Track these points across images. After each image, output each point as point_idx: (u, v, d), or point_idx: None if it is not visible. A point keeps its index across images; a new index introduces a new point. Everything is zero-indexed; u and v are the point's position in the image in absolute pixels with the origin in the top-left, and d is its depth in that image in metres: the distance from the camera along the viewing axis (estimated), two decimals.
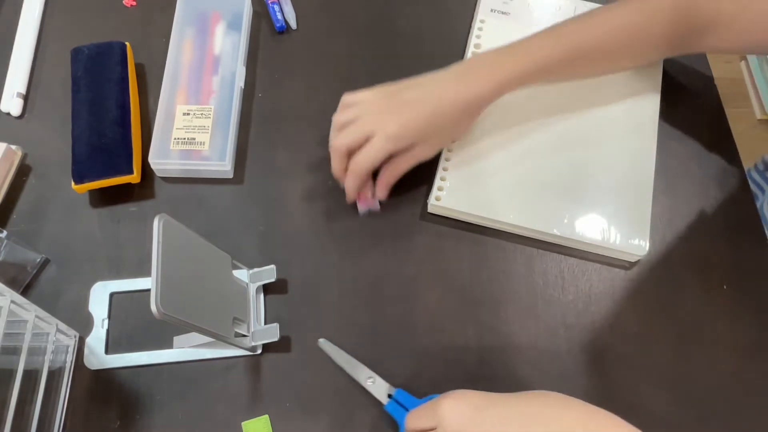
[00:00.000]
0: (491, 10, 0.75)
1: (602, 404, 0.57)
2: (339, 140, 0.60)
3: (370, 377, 0.57)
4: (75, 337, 0.58)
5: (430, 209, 0.65)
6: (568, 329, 0.61)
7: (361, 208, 0.63)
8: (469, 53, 0.73)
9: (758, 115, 1.71)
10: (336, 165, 0.61)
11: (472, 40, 0.73)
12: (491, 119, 0.65)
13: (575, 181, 0.64)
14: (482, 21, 0.74)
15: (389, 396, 0.57)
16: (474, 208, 0.63)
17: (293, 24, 0.76)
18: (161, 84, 0.69)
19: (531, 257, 0.64)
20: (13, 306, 0.48)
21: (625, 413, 0.57)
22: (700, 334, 0.61)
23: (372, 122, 0.59)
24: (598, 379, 0.59)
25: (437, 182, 0.65)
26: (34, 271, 0.61)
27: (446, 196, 0.64)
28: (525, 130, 0.66)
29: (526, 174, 0.65)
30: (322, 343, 0.59)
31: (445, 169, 0.65)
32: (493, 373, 0.59)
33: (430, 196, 0.64)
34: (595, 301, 0.62)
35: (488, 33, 0.73)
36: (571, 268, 0.64)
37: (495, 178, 0.64)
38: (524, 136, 0.66)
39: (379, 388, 0.57)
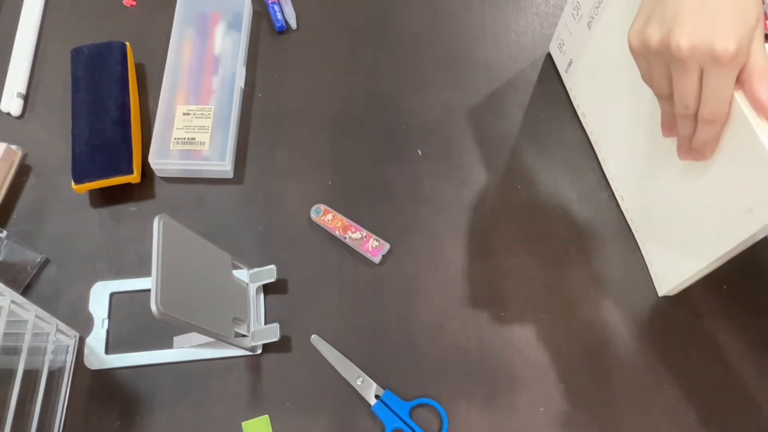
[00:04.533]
0: None
1: (602, 404, 0.58)
2: None
3: (359, 377, 0.57)
4: (75, 337, 0.58)
5: (663, 294, 0.62)
6: (568, 329, 0.61)
7: None
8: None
9: None
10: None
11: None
12: None
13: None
14: None
15: (377, 397, 0.57)
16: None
17: (293, 24, 0.76)
18: (161, 84, 0.69)
19: (532, 256, 0.64)
20: (13, 306, 0.48)
21: (626, 413, 0.57)
22: (700, 334, 0.60)
23: None
24: (598, 379, 0.59)
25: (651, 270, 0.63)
26: (34, 271, 0.61)
27: (668, 277, 0.60)
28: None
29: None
30: (314, 339, 0.59)
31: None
32: (493, 373, 0.59)
33: (656, 285, 0.62)
34: (597, 303, 0.62)
35: None
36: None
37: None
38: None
39: (367, 388, 0.57)
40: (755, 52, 0.44)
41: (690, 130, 0.48)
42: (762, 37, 0.44)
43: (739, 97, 0.45)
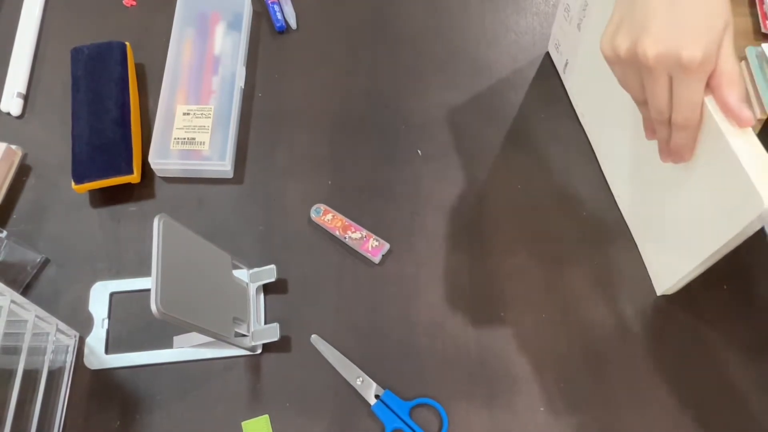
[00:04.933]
0: None
1: (603, 405, 0.58)
2: None
3: (359, 377, 0.57)
4: (75, 337, 0.58)
5: (661, 292, 0.62)
6: (568, 329, 0.61)
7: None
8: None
9: (758, 115, 1.71)
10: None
11: None
12: None
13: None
14: None
15: (377, 397, 0.57)
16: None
17: (293, 24, 0.76)
18: (161, 84, 0.69)
19: (532, 256, 0.64)
20: (13, 306, 0.48)
21: (626, 414, 0.57)
22: (700, 334, 0.60)
23: None
24: (598, 379, 0.59)
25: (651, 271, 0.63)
26: (34, 271, 0.61)
27: (665, 276, 0.60)
28: None
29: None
30: (314, 339, 0.59)
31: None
32: (493, 373, 0.59)
33: (654, 284, 0.62)
34: (597, 303, 0.62)
35: None
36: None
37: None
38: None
39: (367, 388, 0.57)
40: (724, 57, 0.44)
41: (667, 134, 0.48)
42: (731, 42, 0.44)
43: (710, 103, 0.45)
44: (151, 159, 0.65)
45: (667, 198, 0.56)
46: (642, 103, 0.48)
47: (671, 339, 0.60)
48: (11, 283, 0.58)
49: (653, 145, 0.53)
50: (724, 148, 0.45)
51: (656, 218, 0.60)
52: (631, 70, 0.46)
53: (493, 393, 0.58)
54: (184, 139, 0.66)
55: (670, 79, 0.44)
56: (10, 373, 0.49)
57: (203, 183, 0.67)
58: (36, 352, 0.53)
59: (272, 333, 0.57)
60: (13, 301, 0.48)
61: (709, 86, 0.45)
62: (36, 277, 0.61)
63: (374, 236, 0.63)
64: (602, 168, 0.68)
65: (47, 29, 0.75)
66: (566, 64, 0.70)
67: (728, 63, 0.44)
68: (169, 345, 0.59)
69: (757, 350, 0.60)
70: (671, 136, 0.48)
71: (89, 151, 0.64)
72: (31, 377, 0.52)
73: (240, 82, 0.70)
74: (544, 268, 0.63)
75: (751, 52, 0.72)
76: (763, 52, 0.71)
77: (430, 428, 0.56)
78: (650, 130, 0.51)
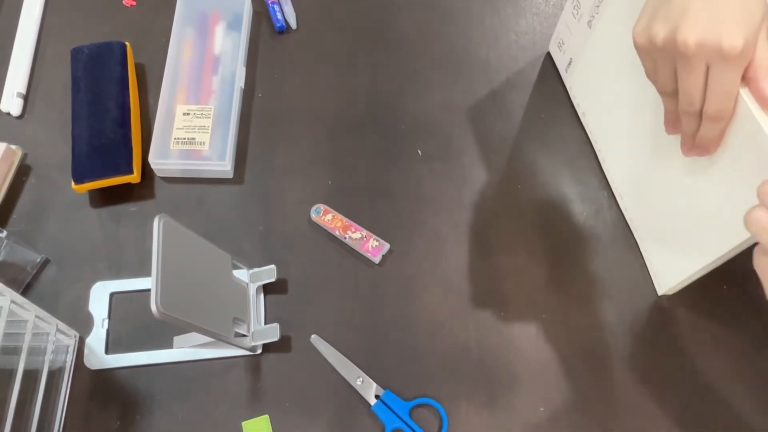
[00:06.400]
0: None
1: (602, 406, 0.58)
2: None
3: (359, 377, 0.57)
4: (75, 337, 0.58)
5: (662, 293, 0.62)
6: (568, 329, 0.61)
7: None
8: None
9: None
10: None
11: None
12: None
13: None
14: None
15: (377, 397, 0.57)
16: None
17: (293, 24, 0.76)
18: (161, 84, 0.69)
19: (532, 256, 0.64)
20: (13, 306, 0.48)
21: (627, 414, 0.57)
22: (700, 334, 0.60)
23: None
24: (599, 380, 0.59)
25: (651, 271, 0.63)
26: (34, 271, 0.61)
27: (668, 276, 0.60)
28: None
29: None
30: (314, 339, 0.59)
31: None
32: (493, 373, 0.59)
33: (655, 284, 0.62)
34: (597, 303, 0.62)
35: None
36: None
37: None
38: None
39: (367, 388, 0.57)
40: (761, 49, 0.44)
41: (694, 126, 0.48)
42: (767, 34, 0.44)
43: (745, 94, 0.45)
44: (151, 159, 0.65)
45: (677, 196, 0.56)
46: (670, 94, 0.48)
47: (671, 338, 0.60)
48: (11, 283, 0.58)
49: (665, 142, 0.53)
50: (758, 140, 0.45)
51: (661, 218, 0.60)
52: (664, 60, 0.46)
53: (493, 393, 0.58)
54: (184, 139, 0.66)
55: (707, 69, 0.44)
56: (10, 373, 0.49)
57: (203, 183, 0.67)
58: (36, 352, 0.53)
59: (272, 333, 0.57)
60: (13, 301, 0.48)
61: (745, 78, 0.44)
62: (36, 277, 0.61)
63: (374, 236, 0.63)
64: (603, 167, 0.68)
65: (47, 29, 0.75)
66: (570, 63, 0.70)
67: (765, 54, 0.44)
68: (169, 345, 0.59)
69: (756, 350, 0.60)
70: (700, 128, 0.48)
71: (89, 151, 0.64)
72: (31, 377, 0.52)
73: (240, 82, 0.70)
74: (544, 268, 0.63)
75: None
76: None
77: (430, 428, 0.56)
78: (672, 123, 0.50)
